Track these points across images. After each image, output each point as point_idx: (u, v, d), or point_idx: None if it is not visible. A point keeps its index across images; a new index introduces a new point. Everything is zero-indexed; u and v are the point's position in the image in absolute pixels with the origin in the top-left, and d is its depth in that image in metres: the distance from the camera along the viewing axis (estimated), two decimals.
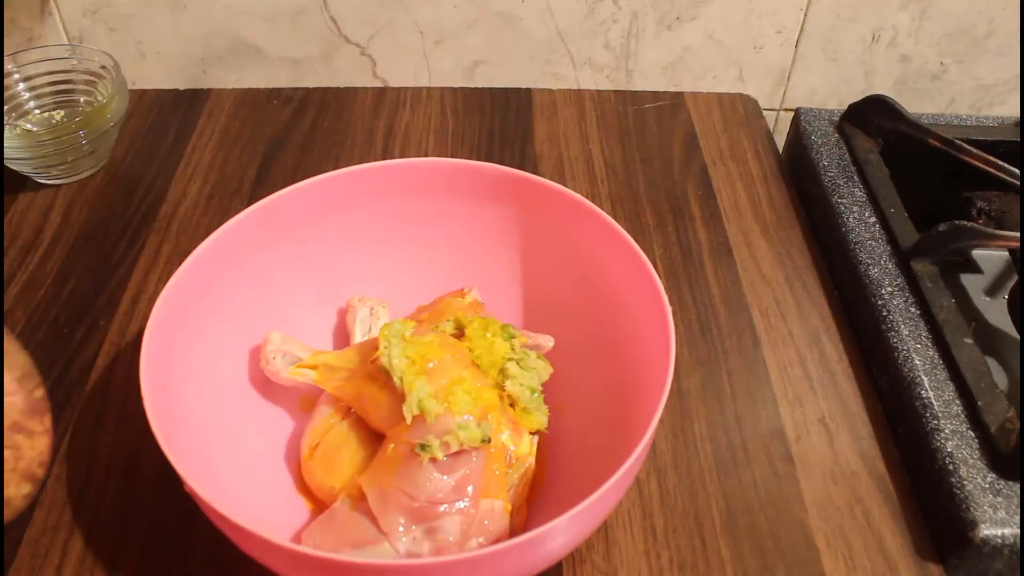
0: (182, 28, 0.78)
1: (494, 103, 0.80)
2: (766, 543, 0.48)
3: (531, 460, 0.46)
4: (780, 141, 0.82)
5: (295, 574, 0.39)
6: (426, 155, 0.74)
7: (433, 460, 0.42)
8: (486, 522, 0.42)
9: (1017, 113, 0.82)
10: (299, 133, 0.76)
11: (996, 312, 0.61)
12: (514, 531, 0.44)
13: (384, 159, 0.53)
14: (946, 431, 0.50)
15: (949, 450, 0.49)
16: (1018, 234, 0.57)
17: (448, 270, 0.55)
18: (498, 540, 0.42)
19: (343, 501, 0.43)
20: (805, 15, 0.79)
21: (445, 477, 0.42)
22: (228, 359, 0.50)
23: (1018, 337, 0.59)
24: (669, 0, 0.77)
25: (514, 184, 0.52)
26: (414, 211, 0.54)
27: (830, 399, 0.56)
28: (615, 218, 0.49)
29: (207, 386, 0.46)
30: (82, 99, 0.72)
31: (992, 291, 0.62)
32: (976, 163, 0.65)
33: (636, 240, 0.48)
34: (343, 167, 0.52)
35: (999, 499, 0.47)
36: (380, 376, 0.45)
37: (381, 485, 0.42)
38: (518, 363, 0.46)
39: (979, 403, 0.51)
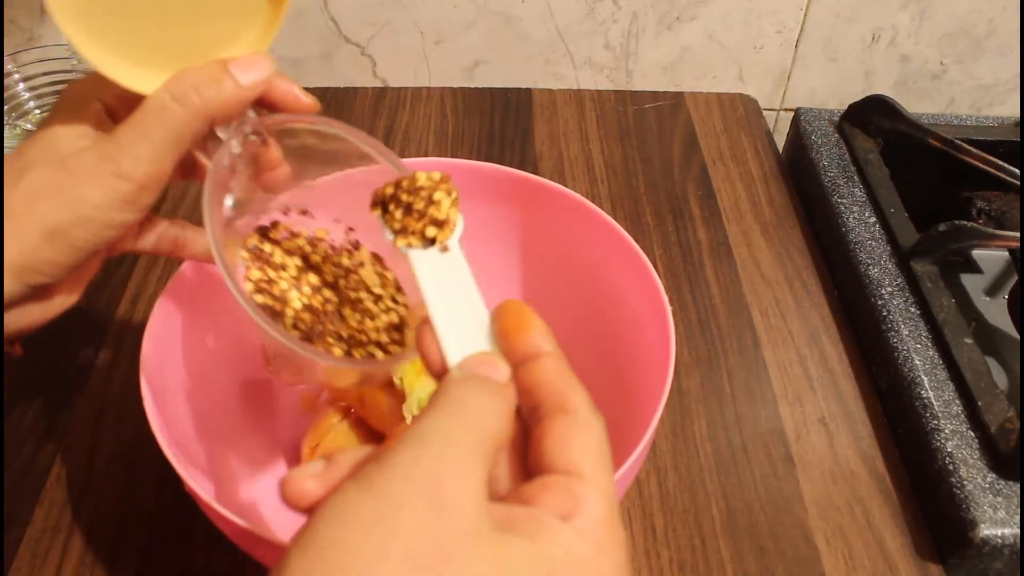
0: None
1: (494, 103, 0.80)
2: (766, 543, 0.48)
3: None
4: (780, 141, 0.82)
5: None
6: (426, 155, 0.74)
7: None
8: None
9: (1017, 113, 0.82)
10: None
11: (996, 312, 0.61)
12: None
13: None
14: (946, 431, 0.50)
15: (949, 450, 0.49)
16: (1018, 234, 0.57)
17: None
18: None
19: None
20: (805, 15, 0.79)
21: None
22: (228, 359, 0.50)
23: (1018, 337, 0.59)
24: (669, 0, 0.77)
25: (514, 184, 0.52)
26: None
27: (830, 399, 0.56)
28: (615, 218, 0.49)
29: (207, 386, 0.46)
30: None
31: (992, 291, 0.62)
32: (976, 163, 0.65)
33: (636, 240, 0.48)
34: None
35: (999, 499, 0.47)
36: None
37: None
38: None
39: (979, 403, 0.51)
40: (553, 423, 0.25)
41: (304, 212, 0.39)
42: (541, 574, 0.22)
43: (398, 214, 0.31)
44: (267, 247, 0.37)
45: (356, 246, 0.39)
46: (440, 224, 0.31)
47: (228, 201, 0.36)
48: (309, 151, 0.37)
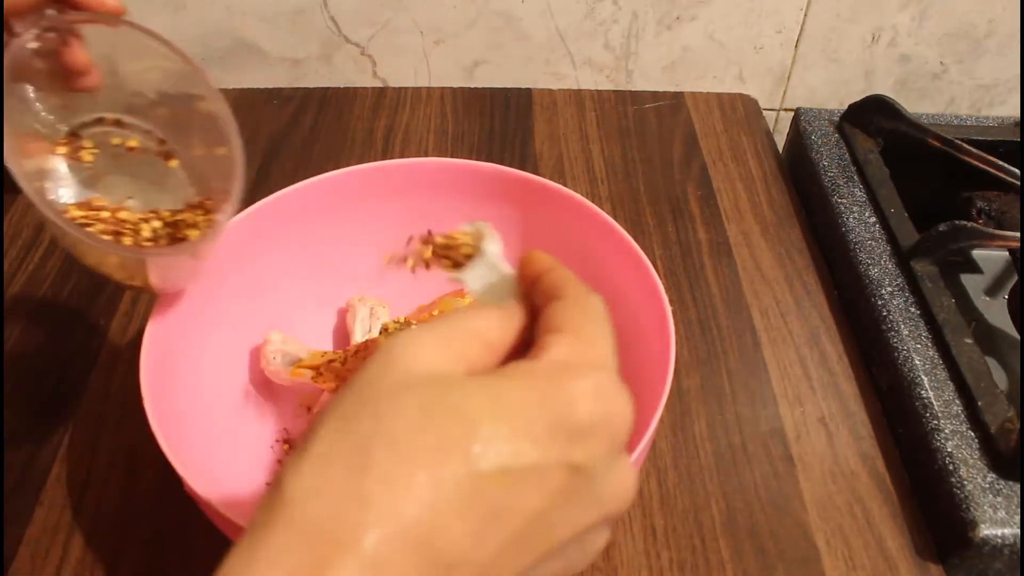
0: (182, 28, 0.78)
1: (494, 103, 0.80)
2: (766, 543, 0.48)
3: None
4: (780, 141, 0.82)
5: None
6: (426, 155, 0.74)
7: None
8: None
9: (1017, 113, 0.82)
10: (299, 133, 0.76)
11: (996, 312, 0.61)
12: None
13: (384, 159, 0.53)
14: (946, 431, 0.50)
15: (949, 450, 0.49)
16: (1018, 234, 0.57)
17: None
18: None
19: None
20: (805, 15, 0.79)
21: None
22: (228, 359, 0.50)
23: (1018, 337, 0.59)
24: (669, 0, 0.77)
25: (514, 184, 0.52)
26: (414, 211, 0.54)
27: (830, 399, 0.56)
28: (615, 218, 0.49)
29: (207, 386, 0.46)
30: None
31: (992, 291, 0.62)
32: (976, 163, 0.65)
33: (636, 240, 0.48)
34: (343, 167, 0.52)
35: (999, 499, 0.47)
36: None
37: None
38: None
39: (979, 403, 0.51)
40: (547, 308, 0.27)
41: (117, 122, 0.41)
42: (533, 388, 0.23)
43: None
44: (81, 154, 0.40)
45: (167, 157, 0.42)
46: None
47: (30, 93, 0.38)
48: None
